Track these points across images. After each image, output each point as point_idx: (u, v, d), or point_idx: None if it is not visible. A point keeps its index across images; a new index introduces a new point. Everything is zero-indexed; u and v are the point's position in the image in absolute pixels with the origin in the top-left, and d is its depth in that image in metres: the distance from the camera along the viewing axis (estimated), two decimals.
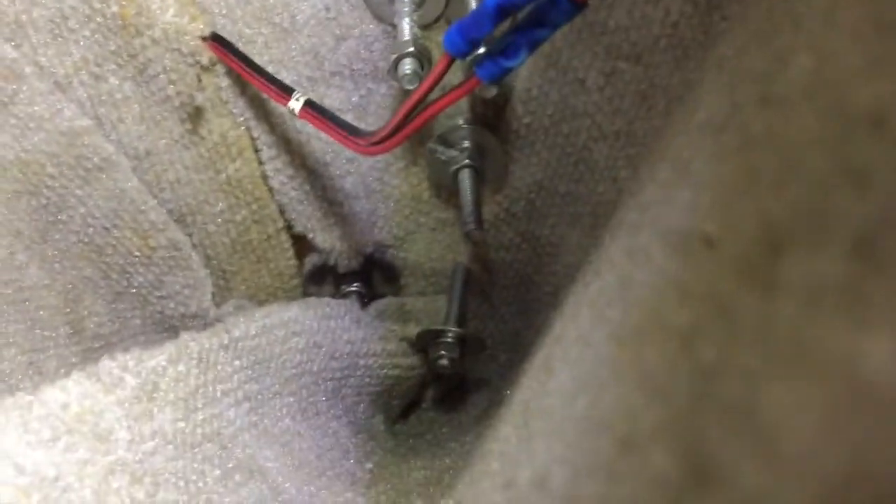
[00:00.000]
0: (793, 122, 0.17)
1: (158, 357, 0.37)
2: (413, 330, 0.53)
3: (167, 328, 0.54)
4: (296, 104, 0.40)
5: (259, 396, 0.43)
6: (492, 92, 0.41)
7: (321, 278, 0.57)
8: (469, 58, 0.30)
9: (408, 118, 0.33)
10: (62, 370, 0.47)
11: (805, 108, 0.16)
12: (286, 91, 0.41)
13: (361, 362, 0.50)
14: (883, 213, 0.13)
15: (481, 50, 0.29)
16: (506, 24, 0.28)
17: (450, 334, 0.50)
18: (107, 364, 0.35)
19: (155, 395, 0.36)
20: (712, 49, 0.40)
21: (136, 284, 0.52)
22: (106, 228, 0.49)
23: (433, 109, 0.32)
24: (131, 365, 0.36)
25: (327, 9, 0.44)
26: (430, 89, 0.31)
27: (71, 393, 0.33)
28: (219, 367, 0.40)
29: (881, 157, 0.14)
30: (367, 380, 0.51)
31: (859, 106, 0.15)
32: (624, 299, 0.20)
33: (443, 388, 0.60)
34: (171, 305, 0.53)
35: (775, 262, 0.15)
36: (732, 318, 0.15)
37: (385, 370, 0.52)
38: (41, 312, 0.49)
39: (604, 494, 0.17)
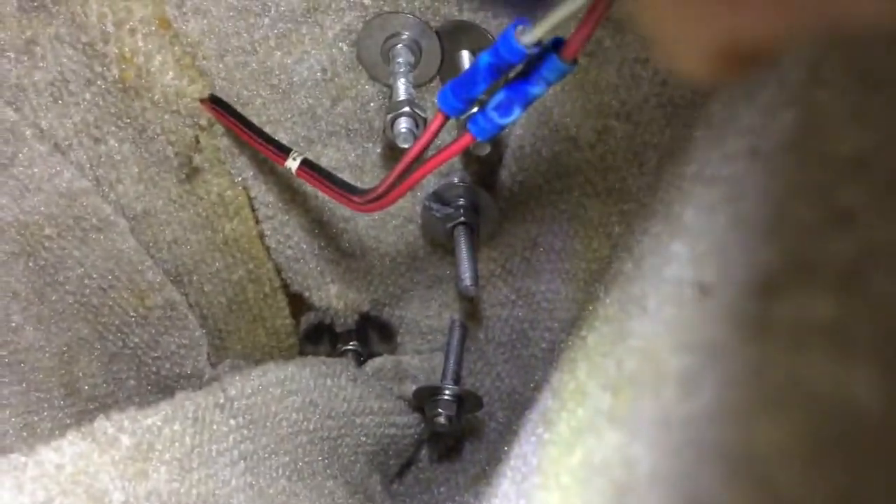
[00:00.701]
0: (780, 173, 0.17)
1: (153, 416, 0.37)
2: (410, 388, 0.53)
3: (162, 389, 0.53)
4: (293, 164, 0.41)
5: (254, 456, 0.42)
6: (486, 150, 0.41)
7: (317, 337, 0.57)
8: (463, 116, 0.30)
9: (403, 176, 0.33)
10: (56, 432, 0.46)
11: (792, 158, 0.17)
12: (283, 151, 0.42)
13: (358, 421, 0.50)
14: (867, 251, 0.14)
15: (475, 108, 0.30)
16: (499, 82, 0.29)
17: (446, 392, 0.50)
18: (102, 423, 0.35)
19: (150, 454, 0.36)
20: (701, 106, 0.41)
21: (131, 345, 0.52)
22: (103, 289, 0.50)
23: (428, 167, 0.32)
24: (126, 424, 0.36)
25: (324, 70, 0.45)
26: (426, 147, 0.31)
27: (65, 453, 0.33)
28: (214, 427, 0.40)
29: (864, 198, 0.14)
30: (364, 439, 0.51)
31: (843, 153, 0.15)
32: (619, 350, 0.21)
33: (440, 447, 0.59)
34: (167, 366, 0.53)
35: (767, 307, 0.15)
36: (726, 363, 0.15)
37: (382, 429, 0.52)
38: (36, 374, 0.48)
39: None
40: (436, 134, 0.31)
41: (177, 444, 0.37)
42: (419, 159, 0.32)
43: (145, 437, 0.36)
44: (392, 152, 0.48)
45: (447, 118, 0.30)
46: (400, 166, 0.33)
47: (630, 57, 0.43)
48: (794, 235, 0.15)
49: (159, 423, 0.37)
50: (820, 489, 0.12)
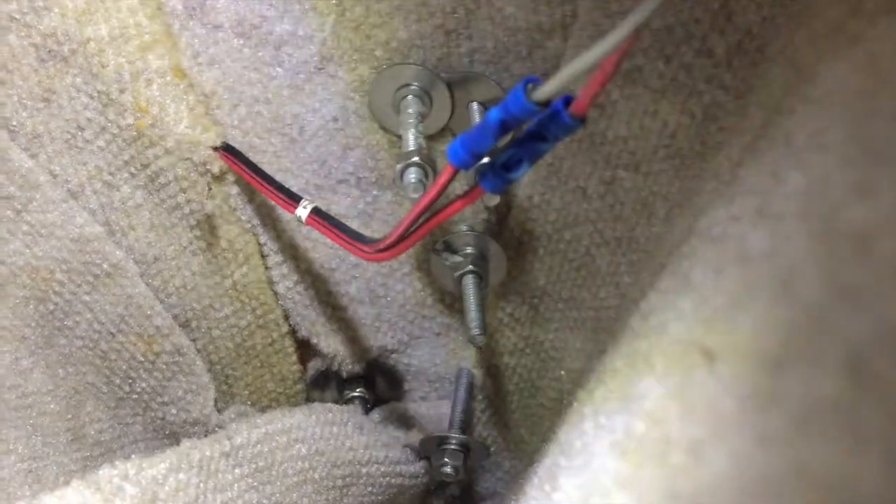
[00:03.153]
0: (787, 239, 0.17)
1: (159, 465, 0.37)
2: (416, 436, 0.53)
3: (168, 434, 0.53)
4: (303, 212, 0.41)
5: None
6: (495, 200, 0.42)
7: (325, 383, 0.57)
8: (472, 169, 0.31)
9: (412, 226, 0.34)
10: (61, 478, 0.46)
11: (799, 225, 0.17)
12: (294, 199, 0.42)
13: (364, 470, 0.49)
14: (874, 333, 0.14)
15: (485, 160, 0.30)
16: (508, 136, 0.29)
17: (453, 441, 0.50)
18: (106, 472, 0.35)
19: None
20: (710, 159, 0.42)
21: (138, 390, 0.52)
22: (111, 333, 0.50)
23: (437, 219, 0.32)
24: (131, 473, 0.35)
25: (335, 119, 0.46)
26: (435, 199, 0.32)
27: (70, 502, 0.33)
28: (219, 476, 0.40)
29: (870, 277, 0.14)
30: (370, 489, 0.50)
31: (848, 227, 0.15)
32: (627, 409, 0.21)
33: (447, 498, 0.59)
34: (173, 411, 0.53)
35: (774, 380, 0.15)
36: (733, 436, 0.15)
37: (388, 478, 0.51)
38: (43, 419, 0.48)
39: None
40: (445, 187, 0.31)
41: (181, 493, 0.37)
42: (428, 210, 0.33)
43: (150, 486, 0.36)
44: (401, 200, 0.49)
45: (456, 171, 0.30)
46: (409, 217, 0.33)
47: (639, 109, 0.43)
48: (801, 308, 0.15)
49: (164, 472, 0.37)
50: None
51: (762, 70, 0.38)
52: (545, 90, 0.26)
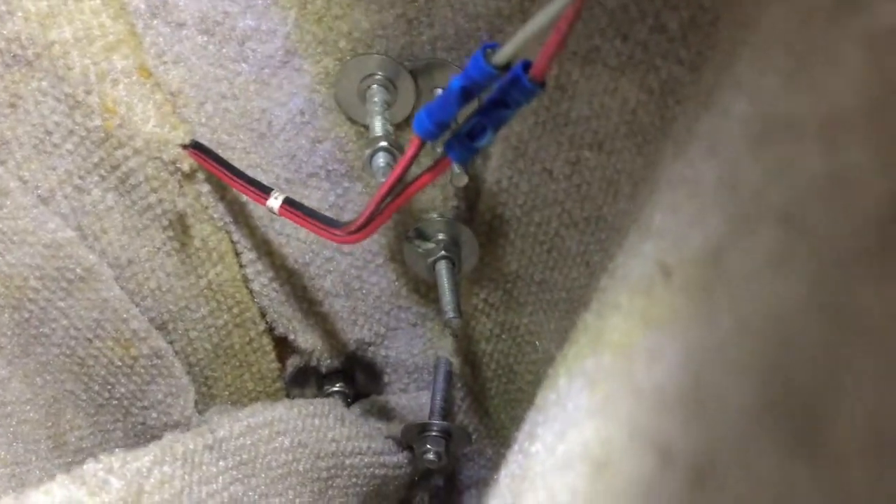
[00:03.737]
0: (733, 156, 0.18)
1: (143, 459, 0.37)
2: (398, 427, 0.53)
3: (149, 438, 0.53)
4: (275, 202, 0.42)
5: (245, 498, 0.42)
6: (463, 181, 0.42)
7: (304, 380, 0.57)
8: (438, 140, 0.31)
9: (382, 204, 0.34)
10: (45, 482, 0.46)
11: (740, 138, 0.18)
12: (265, 191, 0.43)
13: (347, 461, 0.50)
14: (804, 190, 0.15)
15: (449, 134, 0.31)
16: (472, 106, 0.30)
17: (434, 428, 0.50)
18: (91, 467, 0.35)
19: (140, 497, 0.36)
20: (669, 131, 0.43)
21: (117, 395, 0.51)
22: (88, 339, 0.50)
23: (407, 193, 0.33)
24: (116, 467, 0.36)
25: (302, 113, 0.46)
26: (403, 173, 0.32)
27: (56, 496, 0.33)
28: (203, 468, 0.40)
29: (799, 149, 0.15)
30: (354, 479, 0.51)
31: (782, 117, 0.16)
32: (596, 350, 0.21)
33: (432, 488, 0.59)
34: (154, 415, 0.53)
35: (717, 268, 0.16)
36: (685, 329, 0.16)
37: (372, 469, 0.51)
38: (23, 427, 0.48)
39: None
40: (412, 160, 0.32)
41: (167, 485, 0.37)
42: (397, 187, 0.33)
43: (135, 479, 0.36)
44: (372, 191, 0.49)
45: (423, 143, 0.31)
46: (379, 195, 0.34)
47: (599, 88, 0.44)
48: (741, 200, 0.16)
49: (149, 465, 0.37)
50: (758, 382, 0.13)
51: (714, 41, 0.39)
52: (503, 53, 0.26)
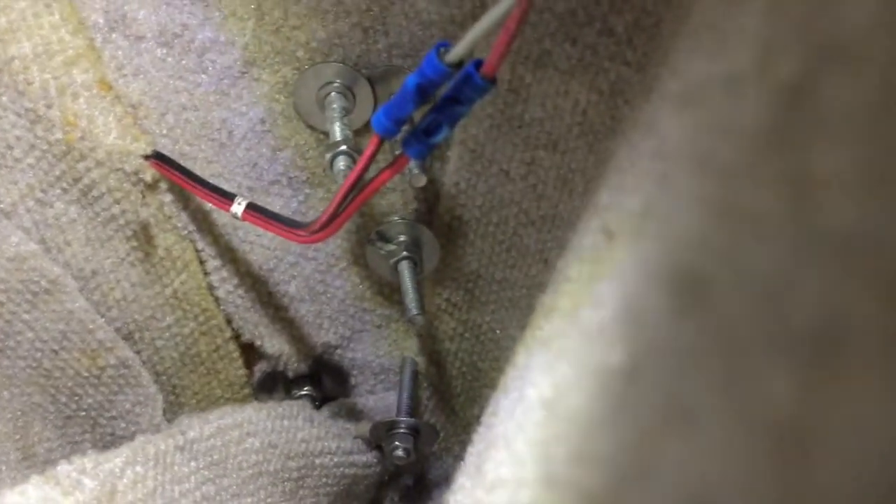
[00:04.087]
0: (662, 128, 0.20)
1: (115, 460, 0.38)
2: (366, 428, 0.54)
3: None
4: (238, 208, 0.43)
5: (217, 498, 0.43)
6: (422, 181, 0.44)
7: (272, 385, 0.57)
8: (396, 138, 0.33)
9: (343, 203, 0.35)
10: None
11: (669, 110, 0.20)
12: (228, 198, 0.44)
13: (317, 461, 0.50)
14: (715, 141, 0.16)
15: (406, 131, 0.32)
16: (427, 105, 0.31)
17: (402, 425, 0.51)
18: (65, 468, 0.36)
19: (114, 496, 0.36)
20: (618, 128, 0.45)
21: (85, 406, 0.52)
22: (54, 351, 0.50)
23: (367, 191, 0.34)
24: (89, 467, 0.36)
25: (262, 122, 0.47)
26: (363, 171, 0.33)
27: (30, 497, 0.33)
28: (175, 468, 0.40)
29: (706, 102, 0.17)
30: (325, 479, 0.51)
31: (694, 80, 0.18)
32: (548, 318, 0.23)
33: (402, 487, 0.60)
34: (122, 425, 0.53)
35: (646, 220, 0.18)
36: (621, 273, 0.18)
37: (342, 468, 0.52)
38: None
39: None
40: (371, 158, 0.33)
41: (139, 485, 0.38)
42: (358, 185, 0.34)
43: (108, 479, 0.37)
44: (333, 196, 0.50)
45: (381, 140, 0.32)
46: (340, 194, 0.35)
47: (551, 90, 0.46)
48: (666, 158, 0.18)
49: (121, 466, 0.38)
50: (663, 292, 0.15)
51: (658, 42, 0.41)
52: (456, 51, 0.28)
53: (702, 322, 0.15)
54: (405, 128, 0.33)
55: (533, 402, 0.20)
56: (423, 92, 0.29)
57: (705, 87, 0.18)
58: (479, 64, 0.29)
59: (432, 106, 0.31)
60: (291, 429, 0.49)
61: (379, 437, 0.53)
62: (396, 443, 0.51)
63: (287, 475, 0.48)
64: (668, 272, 0.16)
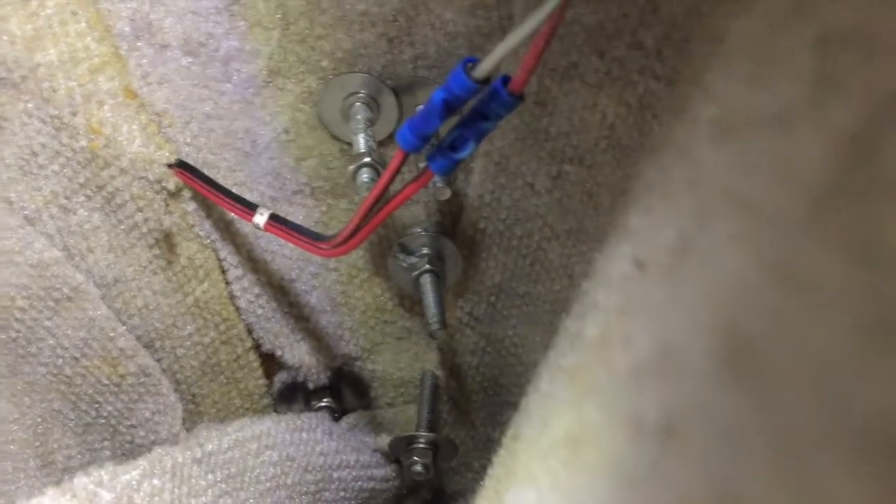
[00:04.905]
0: (701, 154, 0.19)
1: (133, 472, 0.38)
2: (385, 441, 0.54)
3: (137, 457, 0.53)
4: (261, 219, 0.42)
5: None
6: (446, 194, 0.43)
7: (291, 396, 0.57)
8: (421, 155, 0.32)
9: (367, 217, 0.35)
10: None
11: (708, 139, 0.19)
12: (251, 208, 0.43)
13: (335, 475, 0.50)
14: (750, 173, 0.16)
15: (431, 147, 0.32)
16: (454, 120, 0.31)
17: (422, 440, 0.51)
18: (81, 480, 0.35)
19: None
20: (646, 144, 0.44)
21: (105, 414, 0.52)
22: (75, 358, 0.50)
23: (391, 206, 0.34)
24: (106, 480, 0.36)
25: (286, 131, 0.47)
26: (387, 186, 0.33)
27: None
28: (192, 481, 0.40)
29: (756, 139, 0.16)
30: (343, 493, 0.51)
31: (738, 114, 0.17)
32: (575, 347, 0.22)
33: (420, 501, 0.59)
34: (141, 433, 0.53)
35: (684, 257, 0.17)
36: (656, 314, 0.17)
37: (360, 482, 0.52)
38: (11, 446, 0.48)
39: None
40: (396, 172, 0.32)
41: (156, 498, 0.38)
42: (381, 199, 0.34)
43: (125, 492, 0.36)
44: (356, 207, 0.50)
45: (406, 155, 0.31)
46: (363, 208, 0.35)
47: (578, 104, 0.45)
48: (703, 192, 0.17)
49: (138, 478, 0.37)
50: (717, 345, 0.14)
51: (688, 56, 0.41)
52: (483, 67, 0.27)
53: (752, 397, 0.14)
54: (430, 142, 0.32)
55: (558, 439, 0.19)
56: (449, 107, 0.29)
57: (748, 120, 0.17)
58: (506, 80, 0.28)
59: (458, 121, 0.31)
60: (310, 441, 0.48)
61: (398, 451, 0.52)
62: (415, 458, 0.50)
63: (305, 488, 0.48)
64: (711, 325, 0.15)
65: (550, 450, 0.20)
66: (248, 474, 0.44)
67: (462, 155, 0.30)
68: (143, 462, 0.38)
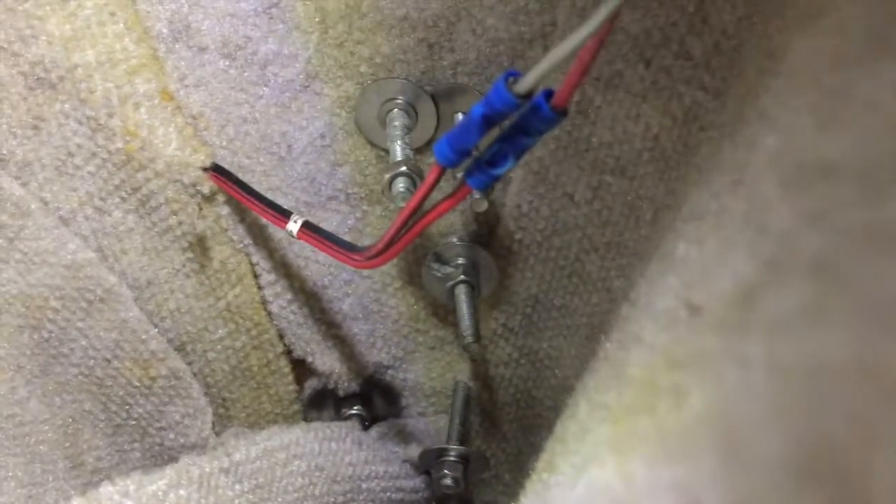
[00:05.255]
0: (761, 193, 0.18)
1: (159, 482, 0.37)
2: (415, 451, 0.53)
3: (166, 459, 0.53)
4: (294, 226, 0.42)
5: None
6: (483, 206, 0.42)
7: (321, 403, 0.57)
8: (459, 168, 0.31)
9: (402, 230, 0.34)
10: (61, 503, 0.46)
11: (771, 177, 0.18)
12: (284, 215, 0.43)
13: (364, 486, 0.49)
14: (837, 242, 0.14)
15: (469, 160, 0.31)
16: (493, 134, 0.30)
17: (452, 453, 0.50)
18: (107, 489, 0.35)
19: None
20: (692, 157, 0.42)
21: (135, 416, 0.52)
22: (107, 360, 0.50)
23: (427, 220, 0.33)
24: (132, 490, 0.36)
25: (322, 136, 0.46)
26: (423, 200, 0.32)
27: None
28: (219, 492, 0.40)
29: (833, 196, 0.15)
30: None
31: (814, 160, 0.16)
32: (618, 383, 0.21)
33: None
34: (171, 436, 0.52)
35: (749, 311, 0.16)
36: (712, 370, 0.16)
37: (388, 493, 0.51)
38: (41, 447, 0.48)
39: None
40: (433, 186, 0.31)
41: None
42: (417, 213, 0.33)
43: (151, 502, 0.36)
44: (391, 215, 0.49)
45: (443, 170, 0.31)
46: (399, 220, 0.34)
47: (622, 114, 0.44)
48: (772, 240, 0.16)
49: (164, 489, 0.37)
50: (791, 439, 0.13)
51: (738, 68, 0.39)
52: (525, 82, 0.26)
53: None
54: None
55: (599, 486, 0.18)
56: (488, 122, 0.28)
57: (824, 172, 0.16)
58: (549, 94, 0.27)
59: (498, 135, 0.30)
60: (339, 451, 0.48)
61: (428, 463, 0.51)
62: (445, 471, 0.49)
63: (332, 499, 0.47)
64: (786, 411, 0.14)
65: (590, 499, 0.19)
66: (276, 484, 0.43)
67: (501, 171, 0.29)
68: (169, 472, 0.38)
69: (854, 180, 0.15)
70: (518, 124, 0.28)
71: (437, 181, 0.31)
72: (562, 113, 0.27)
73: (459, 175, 0.33)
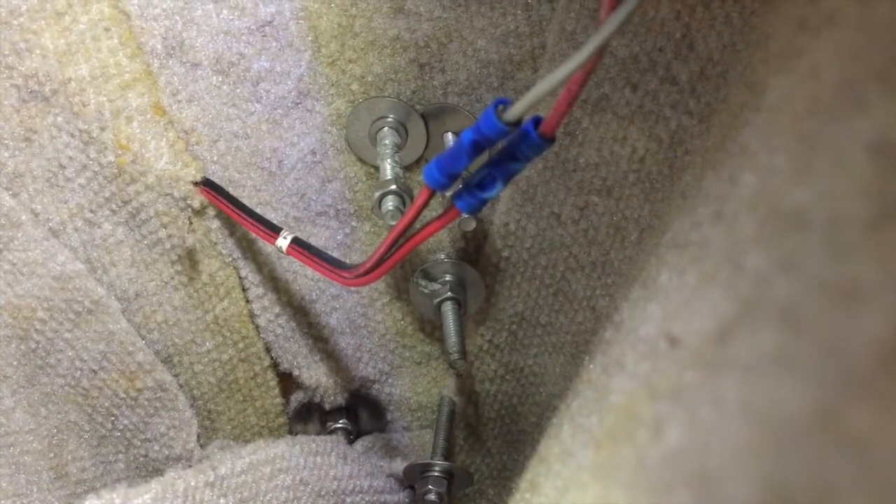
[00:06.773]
0: (739, 230, 0.18)
1: (144, 496, 0.37)
2: (400, 465, 0.53)
3: (151, 471, 0.53)
4: (283, 242, 0.42)
5: None
6: (471, 225, 0.43)
7: (307, 416, 0.57)
8: (448, 191, 0.32)
9: (391, 250, 0.35)
10: None
11: (748, 216, 0.18)
12: (274, 230, 0.43)
13: (348, 500, 0.50)
14: (807, 291, 0.15)
15: (459, 184, 0.31)
16: (482, 158, 0.30)
17: (437, 468, 0.50)
18: (93, 503, 0.35)
19: None
20: (677, 181, 0.43)
21: (120, 427, 0.52)
22: (93, 371, 0.50)
23: (415, 240, 0.33)
24: (117, 503, 0.36)
25: (313, 153, 0.47)
26: (412, 221, 0.33)
27: None
28: None
29: (804, 246, 0.15)
30: None
31: (789, 207, 0.16)
32: (600, 408, 0.21)
33: None
34: (156, 448, 0.53)
35: (723, 349, 0.16)
36: (689, 403, 0.16)
37: None
38: (25, 457, 0.48)
39: None
40: (421, 209, 0.32)
41: None
42: (406, 234, 0.34)
43: None
44: (380, 231, 0.50)
45: (432, 193, 0.31)
46: (387, 241, 0.34)
47: (608, 136, 0.44)
48: (748, 283, 0.16)
49: (149, 502, 0.37)
50: (757, 482, 0.13)
51: (723, 94, 0.40)
52: (515, 110, 0.27)
53: None
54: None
55: None
56: (478, 148, 0.28)
57: (799, 223, 0.16)
58: (537, 122, 0.28)
59: (487, 160, 0.30)
60: (324, 466, 0.48)
61: (412, 478, 0.52)
62: (430, 486, 0.50)
63: None
64: (751, 454, 0.14)
65: None
66: (261, 498, 0.44)
67: (489, 194, 0.30)
68: (155, 485, 0.38)
69: (823, 233, 0.16)
70: (507, 150, 0.29)
71: (425, 204, 0.31)
72: (549, 140, 0.28)
73: (449, 195, 0.34)
